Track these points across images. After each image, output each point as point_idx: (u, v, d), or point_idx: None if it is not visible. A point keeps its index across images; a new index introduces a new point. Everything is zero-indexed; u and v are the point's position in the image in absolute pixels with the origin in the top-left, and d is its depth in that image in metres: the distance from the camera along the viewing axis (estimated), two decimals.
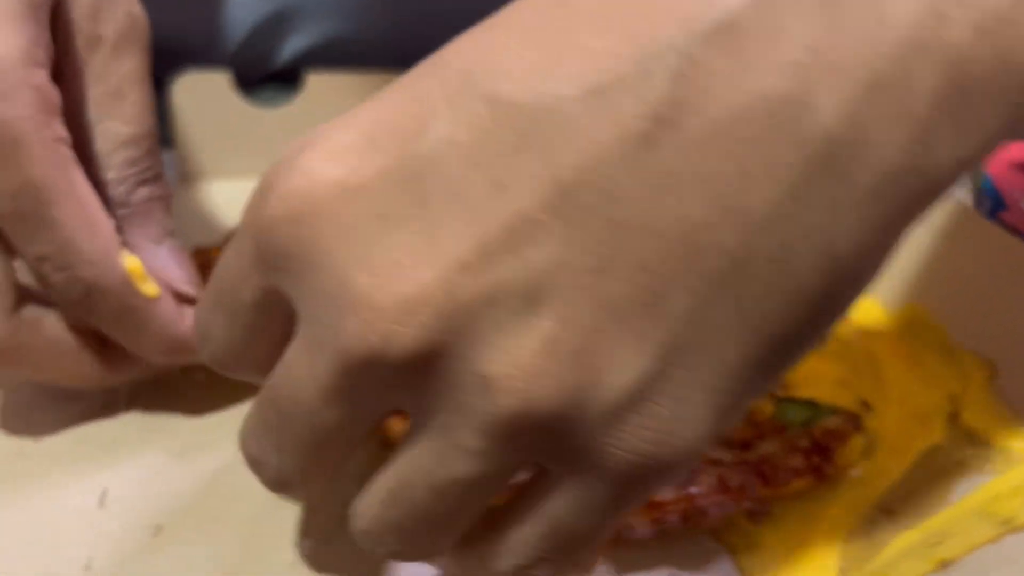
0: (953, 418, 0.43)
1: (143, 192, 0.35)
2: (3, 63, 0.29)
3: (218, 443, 0.38)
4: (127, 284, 0.32)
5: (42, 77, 0.30)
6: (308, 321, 0.22)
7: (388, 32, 0.87)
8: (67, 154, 0.31)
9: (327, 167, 0.21)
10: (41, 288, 0.32)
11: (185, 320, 0.36)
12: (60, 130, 0.31)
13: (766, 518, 0.36)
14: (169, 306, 0.36)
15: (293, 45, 0.82)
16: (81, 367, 0.34)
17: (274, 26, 0.77)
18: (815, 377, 0.42)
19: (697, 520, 0.35)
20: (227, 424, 0.39)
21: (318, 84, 0.58)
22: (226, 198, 0.57)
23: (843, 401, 0.41)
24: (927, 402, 0.43)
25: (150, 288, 0.35)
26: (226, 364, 0.26)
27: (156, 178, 0.35)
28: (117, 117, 0.33)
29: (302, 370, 0.22)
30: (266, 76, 0.78)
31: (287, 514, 0.35)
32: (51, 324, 0.33)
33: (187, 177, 0.57)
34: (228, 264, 0.24)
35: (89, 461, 0.36)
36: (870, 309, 0.50)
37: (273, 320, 0.24)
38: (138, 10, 0.34)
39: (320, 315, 0.21)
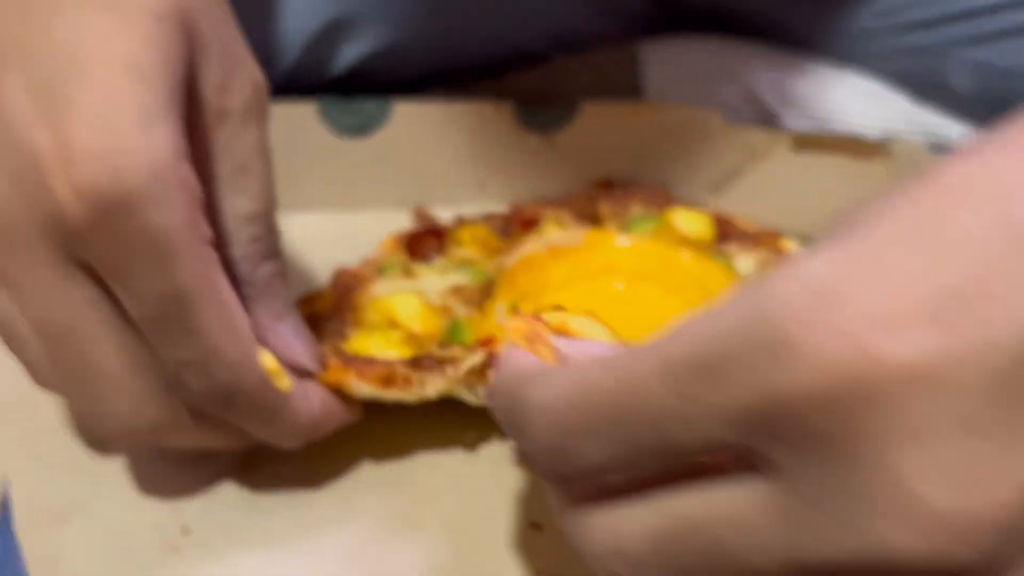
0: None
1: (266, 269, 0.34)
2: (159, 166, 0.27)
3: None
4: (265, 383, 0.32)
5: (188, 171, 0.29)
6: (806, 502, 0.19)
7: (441, 38, 0.85)
8: (212, 255, 0.30)
9: (888, 343, 0.18)
10: (171, 391, 0.32)
11: (312, 403, 0.35)
12: (205, 229, 0.30)
13: None
14: (300, 395, 0.35)
15: (349, 53, 0.79)
16: (226, 438, 0.34)
17: (331, 35, 0.74)
18: None
19: None
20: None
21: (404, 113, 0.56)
22: (302, 232, 0.55)
23: None
24: None
25: (285, 383, 0.34)
26: (577, 482, 0.24)
27: (277, 252, 0.35)
28: (243, 192, 0.32)
29: (769, 539, 0.20)
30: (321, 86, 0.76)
31: None
32: None
33: None
34: (661, 399, 0.21)
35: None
36: None
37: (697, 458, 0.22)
38: (260, 76, 0.33)
39: (833, 503, 0.19)
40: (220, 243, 0.32)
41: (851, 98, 0.81)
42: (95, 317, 0.29)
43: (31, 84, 0.27)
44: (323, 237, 0.55)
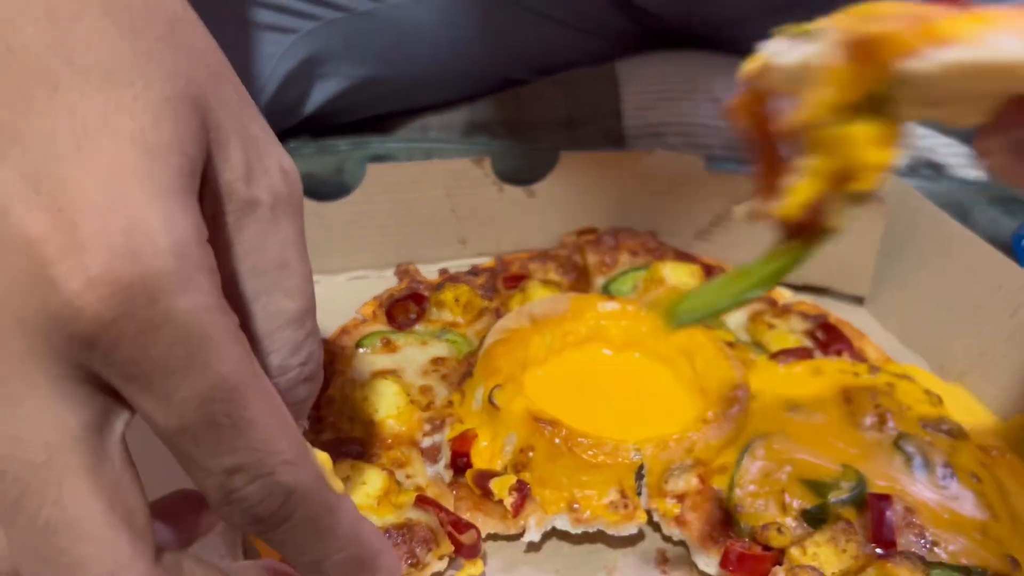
0: None
1: (304, 390, 0.29)
2: (181, 244, 0.22)
3: None
4: (323, 482, 0.26)
5: (211, 255, 0.24)
6: None
7: (419, 73, 0.81)
8: (246, 341, 0.25)
9: None
10: (217, 509, 0.25)
11: (360, 517, 0.28)
12: (233, 313, 0.24)
13: None
14: (352, 504, 0.28)
15: (322, 91, 0.76)
16: None
17: (306, 73, 0.71)
18: (956, 528, 0.39)
19: None
20: None
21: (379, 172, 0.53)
22: None
23: (991, 560, 0.38)
24: None
25: (339, 483, 0.27)
26: None
27: (318, 371, 0.29)
28: (280, 290, 0.27)
29: None
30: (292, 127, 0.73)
31: None
32: (190, 568, 0.26)
33: None
34: None
35: None
36: (975, 413, 0.48)
37: None
38: (290, 163, 0.28)
39: None
40: (254, 349, 0.26)
41: None
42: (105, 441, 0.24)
43: (27, 169, 0.22)
44: None
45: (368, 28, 0.72)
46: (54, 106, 0.23)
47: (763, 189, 0.30)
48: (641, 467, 0.39)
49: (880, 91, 0.25)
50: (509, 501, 0.37)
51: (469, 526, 0.37)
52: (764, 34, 0.89)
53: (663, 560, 0.39)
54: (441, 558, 0.37)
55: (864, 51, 0.24)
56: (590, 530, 0.39)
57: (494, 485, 0.38)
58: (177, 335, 0.22)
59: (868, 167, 0.25)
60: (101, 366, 0.23)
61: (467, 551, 0.37)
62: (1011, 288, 0.46)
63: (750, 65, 0.28)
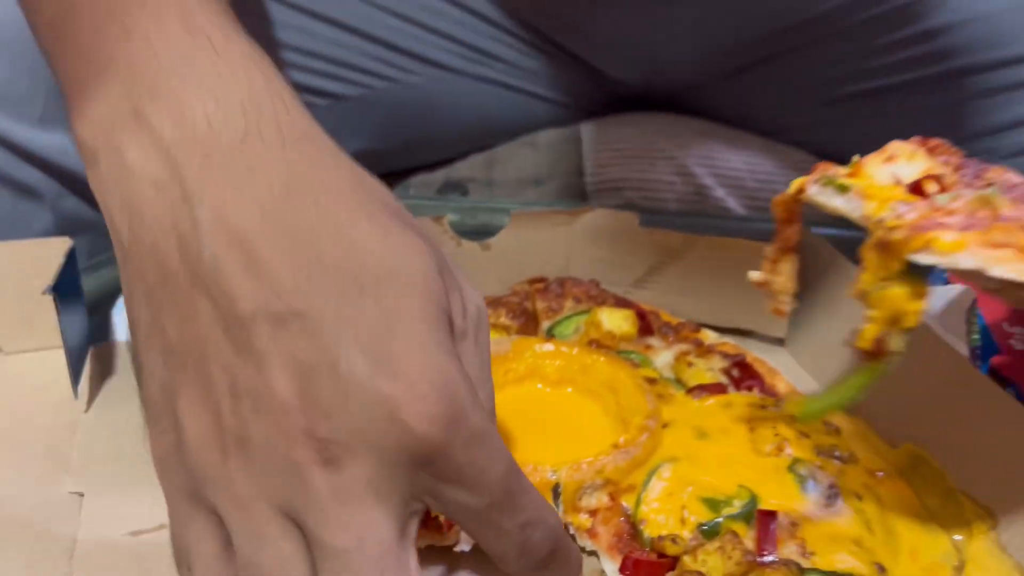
0: (959, 569, 0.46)
1: None
2: (468, 384, 0.31)
3: None
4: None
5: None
6: None
7: (402, 144, 0.88)
8: None
9: None
10: (513, 564, 0.33)
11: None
12: None
13: None
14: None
15: None
16: None
17: None
18: (834, 541, 0.45)
19: None
20: None
21: None
22: None
23: (861, 567, 0.44)
24: (936, 555, 0.46)
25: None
26: None
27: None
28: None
29: None
30: None
31: None
32: None
33: None
34: None
35: None
36: (871, 441, 0.53)
37: None
38: (480, 298, 0.37)
39: None
40: None
41: (779, 170, 0.85)
42: (404, 537, 0.31)
43: (365, 350, 0.30)
44: None
45: (365, 108, 0.79)
46: (368, 302, 0.31)
47: (771, 261, 0.44)
48: (557, 486, 0.45)
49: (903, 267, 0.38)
50: (443, 516, 0.43)
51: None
52: (719, 98, 0.96)
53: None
54: None
55: (885, 248, 0.38)
56: None
57: None
58: (480, 441, 0.31)
59: (909, 313, 0.38)
60: (431, 475, 0.30)
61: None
62: None
63: (792, 187, 0.43)
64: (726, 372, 0.56)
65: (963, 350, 0.50)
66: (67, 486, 0.47)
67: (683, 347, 0.58)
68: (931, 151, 0.43)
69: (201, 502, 0.32)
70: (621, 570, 0.42)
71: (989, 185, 0.40)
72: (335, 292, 0.30)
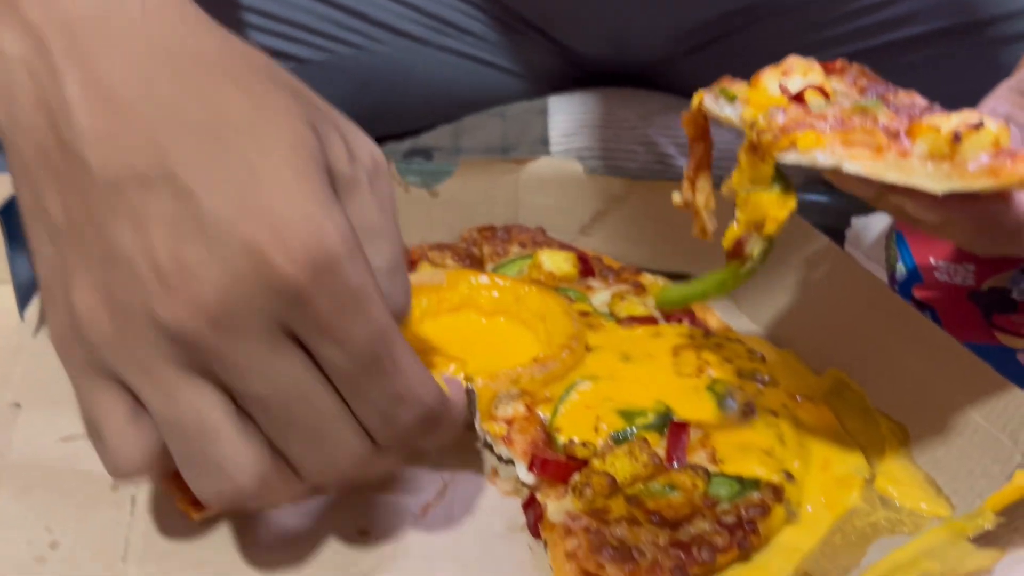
0: (870, 481, 0.46)
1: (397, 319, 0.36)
2: (345, 234, 0.31)
3: None
4: (443, 394, 0.35)
5: (358, 237, 0.32)
6: None
7: (365, 112, 0.90)
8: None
9: None
10: (377, 435, 0.34)
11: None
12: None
13: None
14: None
15: None
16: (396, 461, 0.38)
17: None
18: (744, 450, 0.46)
19: None
20: None
21: None
22: None
23: (768, 473, 0.44)
24: (848, 467, 0.46)
25: (447, 389, 0.37)
26: None
27: (406, 309, 0.37)
28: (373, 248, 0.34)
29: None
30: None
31: None
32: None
33: None
34: None
35: None
36: (798, 371, 0.54)
37: None
38: (375, 147, 0.37)
39: None
40: None
41: (741, 141, 0.86)
42: (315, 377, 0.32)
43: (228, 196, 0.30)
44: None
45: (331, 73, 0.81)
46: (232, 157, 0.31)
47: (689, 181, 0.45)
48: (470, 390, 0.46)
49: (773, 170, 0.38)
50: None
51: None
52: (683, 73, 0.97)
53: (494, 474, 0.46)
54: None
55: (755, 149, 0.38)
56: None
57: None
58: (350, 297, 0.31)
59: (772, 220, 0.38)
60: (301, 322, 0.31)
61: None
62: (824, 261, 0.53)
63: (694, 101, 0.43)
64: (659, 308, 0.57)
65: (883, 277, 0.51)
66: (6, 399, 0.49)
67: (622, 287, 0.59)
68: (832, 70, 0.44)
69: (103, 373, 0.33)
70: (529, 468, 0.43)
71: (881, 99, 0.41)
72: (199, 151, 0.31)
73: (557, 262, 0.59)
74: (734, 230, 0.39)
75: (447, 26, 0.83)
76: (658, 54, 0.88)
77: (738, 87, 0.42)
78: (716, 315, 0.57)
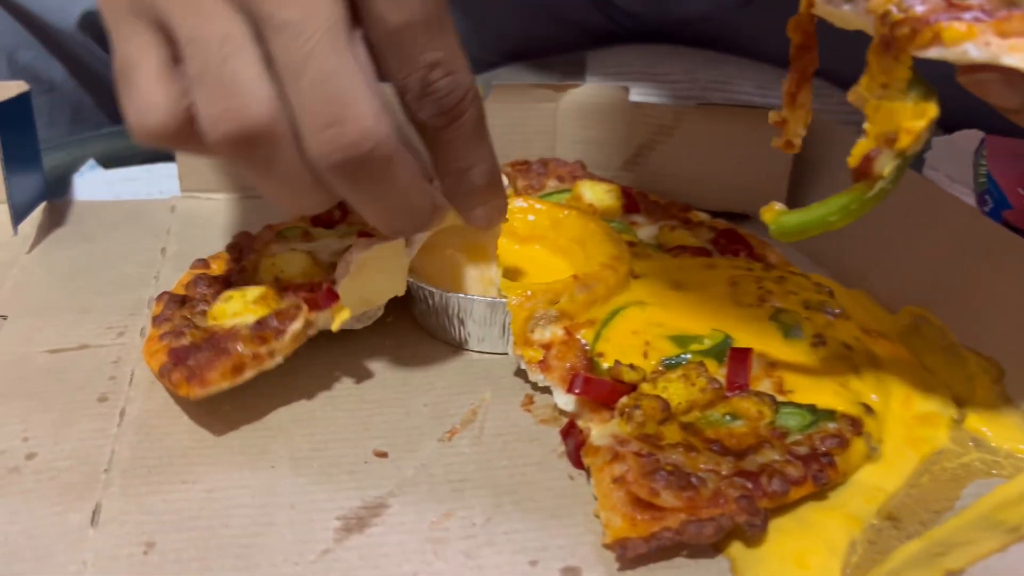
0: (959, 421, 0.41)
1: None
2: None
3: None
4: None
5: None
6: None
7: None
8: None
9: None
10: (413, 103, 0.35)
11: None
12: None
13: (767, 528, 0.34)
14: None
15: None
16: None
17: None
18: (815, 381, 0.40)
19: (696, 535, 0.33)
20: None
21: None
22: (220, 209, 0.55)
23: (844, 405, 0.39)
24: (932, 404, 0.41)
25: None
26: None
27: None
28: None
29: None
30: None
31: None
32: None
33: (188, 188, 0.56)
34: None
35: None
36: (871, 310, 0.48)
37: None
38: None
39: None
40: None
41: (770, 82, 0.80)
42: (348, 27, 0.32)
43: None
44: (236, 215, 0.56)
45: None
46: None
47: (789, 96, 0.38)
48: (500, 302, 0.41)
49: (910, 72, 0.32)
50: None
51: (321, 284, 0.40)
52: (729, 30, 0.92)
53: (529, 402, 0.41)
54: (301, 320, 0.39)
55: (888, 46, 0.32)
56: None
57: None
58: None
59: (906, 132, 0.32)
60: None
61: (324, 300, 0.39)
62: (899, 189, 0.48)
63: (802, 1, 0.36)
64: (713, 242, 0.51)
65: (970, 200, 0.45)
66: None
67: (670, 222, 0.53)
68: None
69: (144, 17, 0.33)
70: (569, 389, 0.38)
71: None
72: None
73: (599, 193, 0.54)
74: (862, 144, 0.33)
75: None
76: (701, 9, 0.83)
77: None
78: (777, 252, 0.52)
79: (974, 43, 0.30)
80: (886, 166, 0.33)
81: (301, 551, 0.32)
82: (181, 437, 0.37)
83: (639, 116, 0.58)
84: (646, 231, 0.53)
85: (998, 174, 0.48)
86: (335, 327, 0.39)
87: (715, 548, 0.33)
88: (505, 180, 0.47)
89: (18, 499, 0.33)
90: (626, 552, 0.32)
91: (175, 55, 0.32)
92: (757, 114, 0.55)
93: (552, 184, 0.57)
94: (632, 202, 0.55)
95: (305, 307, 0.39)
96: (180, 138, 0.33)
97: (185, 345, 0.38)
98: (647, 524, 0.32)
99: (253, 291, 0.40)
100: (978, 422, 0.39)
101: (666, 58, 0.85)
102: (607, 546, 0.32)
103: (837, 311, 0.44)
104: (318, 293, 0.39)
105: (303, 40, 0.31)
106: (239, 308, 0.40)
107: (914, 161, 0.50)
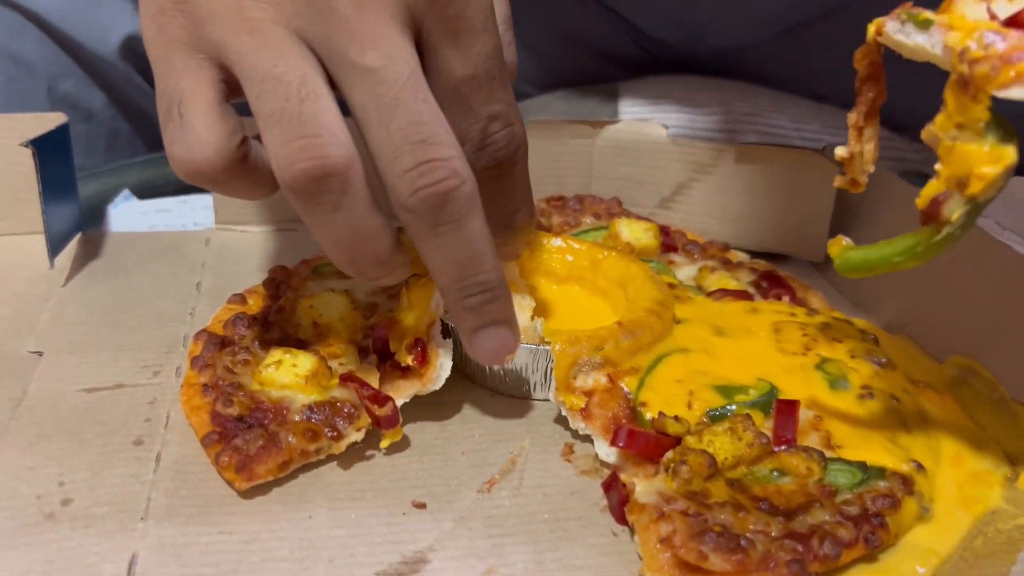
0: (1012, 480, 0.40)
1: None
2: None
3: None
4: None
5: None
6: None
7: None
8: None
9: None
10: (472, 154, 0.35)
11: None
12: None
13: None
14: None
15: None
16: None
17: None
18: (864, 436, 0.39)
19: None
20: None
21: None
22: (247, 243, 0.55)
23: (894, 462, 0.38)
24: (984, 462, 0.40)
25: None
26: None
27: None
28: None
29: None
30: None
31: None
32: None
33: (223, 221, 0.56)
34: None
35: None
36: (916, 359, 0.47)
37: None
38: None
39: None
40: None
41: (827, 130, 0.80)
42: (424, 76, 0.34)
43: None
44: (270, 248, 0.55)
45: None
46: None
47: (855, 130, 0.37)
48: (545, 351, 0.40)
49: (988, 113, 0.30)
50: (410, 359, 0.39)
51: (387, 399, 0.38)
52: (764, 61, 0.91)
53: (569, 451, 0.40)
54: (359, 430, 0.38)
55: (966, 85, 0.30)
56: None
57: (393, 347, 0.39)
58: (480, 7, 0.34)
59: (978, 177, 0.30)
60: (432, 19, 0.33)
61: (385, 422, 0.38)
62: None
63: (869, 31, 0.35)
64: (754, 284, 0.50)
65: (1022, 248, 0.44)
66: (28, 346, 0.44)
67: (709, 263, 0.53)
68: None
69: (202, 51, 0.33)
70: (613, 442, 0.37)
71: None
72: None
73: (636, 232, 0.53)
74: (932, 185, 0.32)
75: None
76: (739, 40, 0.82)
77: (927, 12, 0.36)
78: (819, 296, 0.51)
79: None
80: (955, 211, 0.31)
81: None
82: (218, 483, 0.36)
83: (677, 154, 0.57)
84: (684, 271, 0.52)
85: None
86: (384, 445, 0.39)
87: None
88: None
89: (53, 548, 0.33)
90: None
91: (229, 92, 0.33)
92: (798, 154, 0.54)
93: (588, 221, 0.57)
94: (670, 241, 0.54)
95: (367, 421, 0.38)
96: (227, 176, 0.33)
97: (232, 415, 0.38)
98: None
99: (304, 361, 0.40)
100: None
101: (699, 88, 0.84)
102: None
103: (883, 360, 0.43)
104: (382, 413, 0.38)
105: (388, 87, 0.31)
106: (288, 380, 0.39)
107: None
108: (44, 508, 0.35)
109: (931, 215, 0.32)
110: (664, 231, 0.55)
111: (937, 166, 0.32)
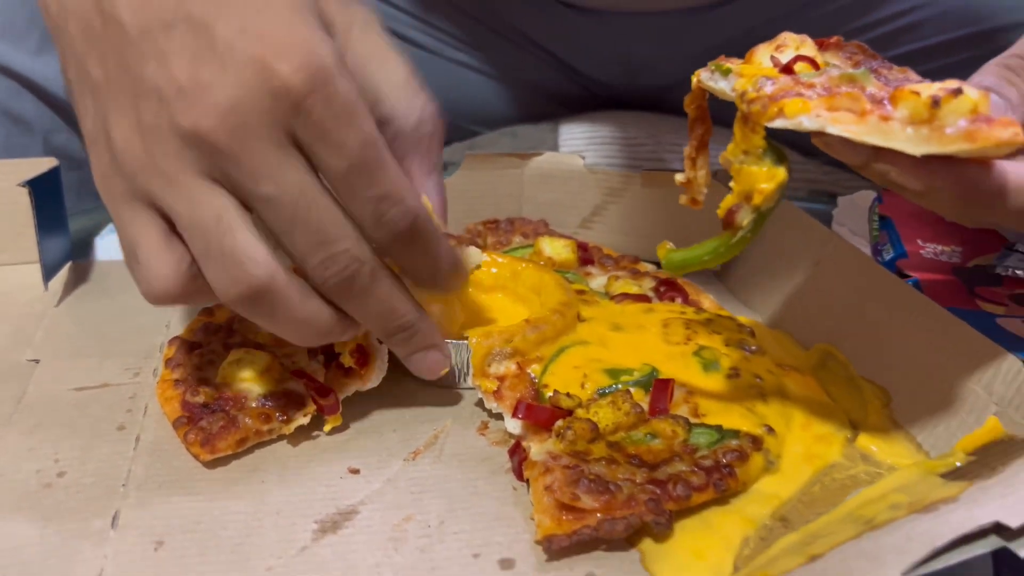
0: (851, 440, 0.47)
1: (429, 125, 0.43)
2: (334, 51, 0.37)
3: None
4: (429, 215, 0.40)
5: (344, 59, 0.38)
6: None
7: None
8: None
9: None
10: (371, 234, 0.39)
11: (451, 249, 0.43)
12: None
13: (672, 527, 0.41)
14: (444, 237, 0.43)
15: None
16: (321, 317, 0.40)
17: None
18: (726, 406, 0.47)
19: (610, 531, 0.39)
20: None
21: None
22: None
23: (749, 426, 0.45)
24: (828, 427, 0.47)
25: (436, 219, 0.42)
26: None
27: (435, 114, 0.43)
28: (387, 70, 0.41)
29: None
30: None
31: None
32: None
33: None
34: None
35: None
36: (788, 347, 0.55)
37: None
38: (370, 8, 0.42)
39: None
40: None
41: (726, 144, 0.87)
42: (316, 180, 0.37)
43: (236, 25, 0.36)
44: None
45: None
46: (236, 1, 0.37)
47: (690, 160, 0.46)
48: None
49: (764, 142, 0.38)
50: (352, 361, 0.47)
51: (329, 390, 0.46)
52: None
53: (484, 427, 0.47)
54: (306, 415, 0.46)
55: (746, 120, 0.39)
56: None
57: (338, 349, 0.47)
58: (343, 104, 0.36)
59: (759, 192, 0.39)
60: (302, 128, 0.36)
61: (328, 409, 0.46)
62: (813, 243, 0.55)
63: (693, 80, 0.43)
64: (654, 289, 0.58)
65: (866, 248, 0.52)
66: (27, 356, 0.51)
67: (619, 273, 0.61)
68: (826, 45, 0.45)
69: (139, 200, 0.38)
70: (513, 414, 0.45)
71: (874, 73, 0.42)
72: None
73: (557, 248, 0.61)
74: (728, 199, 0.40)
75: (454, 38, 0.86)
76: (667, 79, 0.90)
77: (733, 62, 0.44)
78: (710, 298, 0.59)
79: (807, 116, 0.37)
80: (745, 218, 0.40)
81: (284, 548, 0.39)
82: (187, 458, 0.44)
83: (593, 180, 0.65)
84: (597, 281, 0.60)
85: (903, 232, 0.55)
86: (327, 429, 0.46)
87: (628, 543, 0.40)
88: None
89: (51, 508, 0.40)
90: (552, 546, 0.38)
91: (170, 227, 0.38)
92: None
93: (518, 240, 0.65)
94: (587, 255, 0.62)
95: (312, 408, 0.46)
96: (186, 296, 0.39)
97: (199, 403, 0.45)
98: (570, 523, 0.39)
99: (260, 359, 0.47)
100: (868, 441, 0.46)
101: (632, 124, 0.93)
102: (538, 542, 0.39)
103: (754, 348, 0.51)
104: (325, 403, 0.46)
105: (284, 208, 0.37)
106: (247, 375, 0.47)
107: (823, 217, 0.57)
108: (43, 479, 0.42)
109: (728, 222, 0.40)
110: (582, 247, 0.63)
111: (731, 183, 0.40)
